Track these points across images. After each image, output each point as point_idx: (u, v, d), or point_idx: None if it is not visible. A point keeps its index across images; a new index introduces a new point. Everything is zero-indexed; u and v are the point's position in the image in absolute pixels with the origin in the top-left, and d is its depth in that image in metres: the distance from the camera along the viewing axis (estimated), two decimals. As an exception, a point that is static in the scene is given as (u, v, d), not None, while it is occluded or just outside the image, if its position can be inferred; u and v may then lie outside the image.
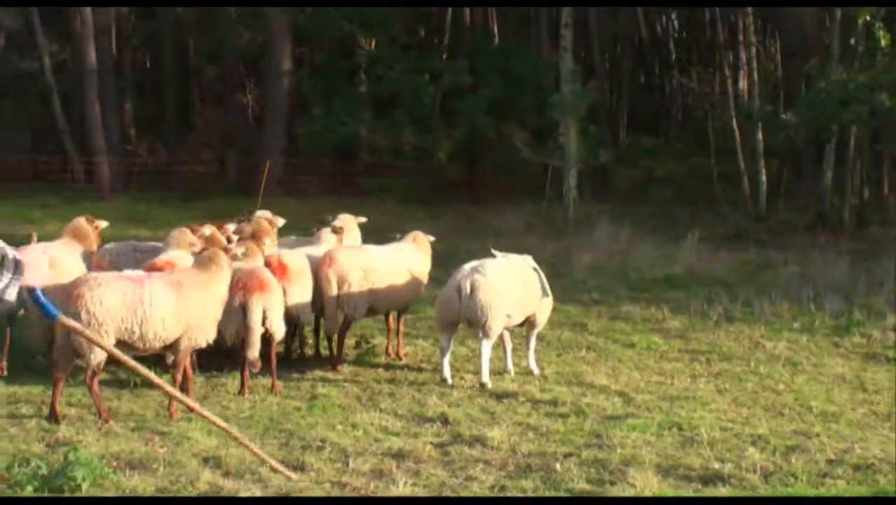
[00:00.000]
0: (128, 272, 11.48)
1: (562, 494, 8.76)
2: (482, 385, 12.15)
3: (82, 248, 12.94)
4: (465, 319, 12.27)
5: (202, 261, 11.47)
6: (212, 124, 37.26)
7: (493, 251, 13.49)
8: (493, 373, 12.51)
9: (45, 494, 8.69)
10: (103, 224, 13.50)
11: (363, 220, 14.78)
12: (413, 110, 30.21)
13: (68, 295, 10.48)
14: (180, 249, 12.60)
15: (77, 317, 10.05)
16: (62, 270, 12.16)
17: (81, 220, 13.24)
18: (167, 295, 10.73)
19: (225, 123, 36.79)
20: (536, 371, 12.76)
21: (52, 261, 12.33)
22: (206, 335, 11.22)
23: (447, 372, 12.28)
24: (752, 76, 30.78)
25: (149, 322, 10.58)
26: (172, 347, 10.97)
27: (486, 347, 12.30)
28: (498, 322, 12.17)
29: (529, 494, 8.81)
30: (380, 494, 8.81)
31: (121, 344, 10.46)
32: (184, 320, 10.87)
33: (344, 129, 30.16)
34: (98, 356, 10.51)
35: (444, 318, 12.29)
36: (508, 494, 8.79)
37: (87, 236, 13.19)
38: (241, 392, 11.76)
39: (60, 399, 10.77)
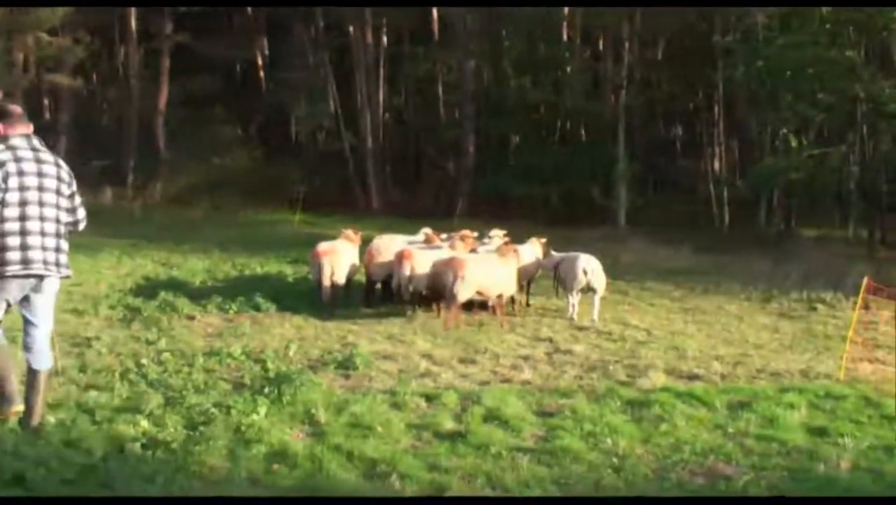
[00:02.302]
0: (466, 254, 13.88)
1: (611, 382, 9.56)
2: (593, 321, 13.62)
3: (352, 244, 14.62)
4: (587, 287, 13.93)
5: (501, 250, 13.98)
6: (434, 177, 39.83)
7: (552, 252, 14.93)
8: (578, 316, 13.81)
9: (335, 372, 9.87)
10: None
11: (504, 231, 16.17)
12: (539, 176, 33.23)
13: (454, 266, 12.78)
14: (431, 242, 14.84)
15: (456, 278, 12.53)
16: (343, 256, 14.23)
17: (350, 231, 14.88)
18: (495, 270, 13.32)
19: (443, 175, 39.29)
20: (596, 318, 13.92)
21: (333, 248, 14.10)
22: (511, 290, 13.65)
23: (574, 314, 13.85)
24: (722, 161, 34.62)
25: (490, 282, 13.06)
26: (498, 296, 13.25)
27: (598, 301, 13.95)
28: (603, 287, 14.12)
29: (594, 382, 9.61)
30: (514, 379, 9.79)
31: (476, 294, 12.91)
32: (501, 282, 13.32)
33: (501, 186, 33.77)
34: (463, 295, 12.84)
35: (576, 286, 13.73)
36: (582, 382, 9.61)
37: (351, 238, 14.72)
38: (445, 325, 12.86)
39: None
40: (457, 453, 7.18)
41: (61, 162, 6.93)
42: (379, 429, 7.65)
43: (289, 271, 18.13)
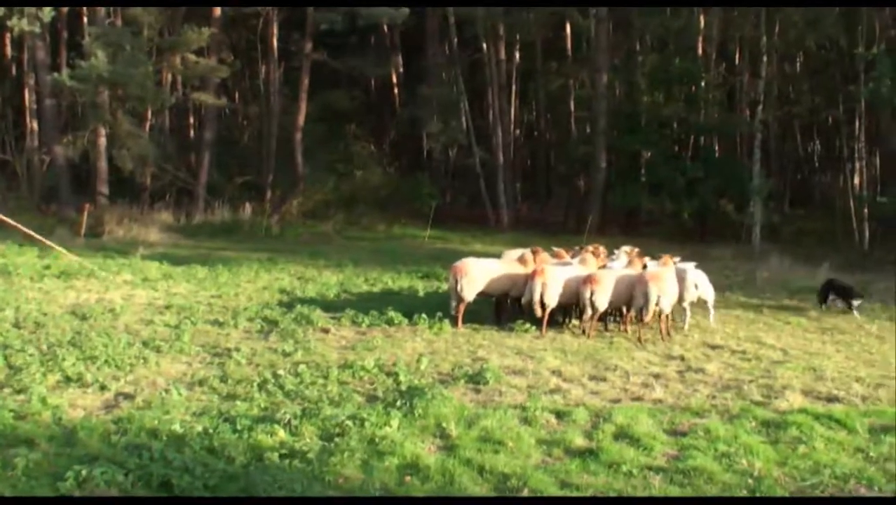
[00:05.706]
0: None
1: (746, 402, 9.36)
2: (714, 327, 14.00)
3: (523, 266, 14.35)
4: (699, 299, 14.13)
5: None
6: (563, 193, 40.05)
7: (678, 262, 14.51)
8: (709, 333, 13.71)
9: (466, 386, 9.84)
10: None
11: (635, 249, 15.85)
12: (671, 192, 32.61)
13: (655, 281, 13.09)
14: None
15: (661, 293, 13.00)
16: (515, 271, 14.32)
17: (527, 252, 14.84)
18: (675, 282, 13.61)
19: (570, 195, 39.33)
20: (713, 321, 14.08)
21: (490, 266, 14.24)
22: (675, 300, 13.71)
23: (687, 325, 13.91)
24: (863, 176, 32.94)
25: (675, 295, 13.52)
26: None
27: (712, 308, 14.42)
28: (713, 297, 14.35)
29: (728, 402, 9.39)
30: (645, 397, 9.63)
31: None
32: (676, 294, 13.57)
33: (633, 202, 33.63)
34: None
35: (688, 297, 13.77)
36: (715, 401, 9.42)
37: (528, 261, 14.53)
38: (585, 333, 13.33)
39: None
40: (588, 471, 7.19)
41: None
42: (509, 444, 7.68)
43: (419, 286, 18.30)
